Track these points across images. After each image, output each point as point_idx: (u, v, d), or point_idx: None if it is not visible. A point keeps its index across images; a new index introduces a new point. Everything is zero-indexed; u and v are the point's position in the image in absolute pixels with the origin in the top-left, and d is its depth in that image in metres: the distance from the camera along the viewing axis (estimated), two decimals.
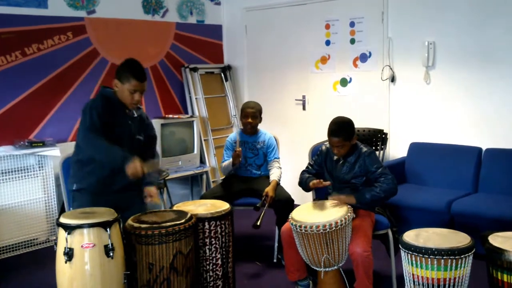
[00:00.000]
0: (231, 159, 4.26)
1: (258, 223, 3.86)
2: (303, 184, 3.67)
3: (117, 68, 3.26)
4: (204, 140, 6.02)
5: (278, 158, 4.41)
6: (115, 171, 3.15)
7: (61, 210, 4.14)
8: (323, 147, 3.73)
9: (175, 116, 5.74)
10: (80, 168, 3.25)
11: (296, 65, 5.95)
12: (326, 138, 3.87)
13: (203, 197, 4.27)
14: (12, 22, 4.68)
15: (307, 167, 3.79)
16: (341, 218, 3.11)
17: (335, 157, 3.61)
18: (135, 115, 3.32)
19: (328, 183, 3.52)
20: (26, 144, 4.59)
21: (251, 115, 4.30)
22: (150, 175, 3.31)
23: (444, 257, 2.71)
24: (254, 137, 4.39)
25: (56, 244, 2.87)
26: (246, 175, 4.39)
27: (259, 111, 4.37)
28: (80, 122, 3.18)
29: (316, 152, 3.80)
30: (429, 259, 2.74)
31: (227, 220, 3.27)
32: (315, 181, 3.52)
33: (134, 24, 5.63)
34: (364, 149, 3.53)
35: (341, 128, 3.48)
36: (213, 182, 5.95)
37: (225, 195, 4.11)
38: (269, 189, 4.08)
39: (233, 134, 4.54)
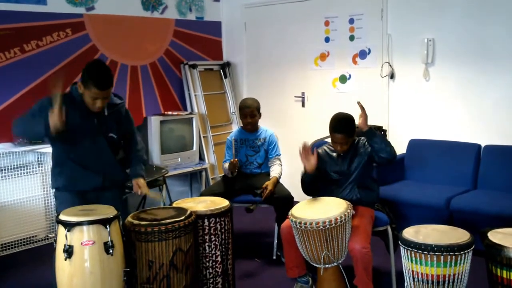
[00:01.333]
0: (229, 168, 4.25)
1: (251, 207, 3.90)
2: (305, 178, 3.63)
3: (82, 69, 3.12)
4: (203, 137, 6.01)
5: (279, 155, 4.40)
6: (85, 169, 3.16)
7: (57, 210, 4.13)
8: (320, 150, 3.70)
9: (174, 113, 5.73)
10: (53, 167, 3.24)
11: (295, 62, 5.94)
12: (325, 135, 3.88)
13: (202, 194, 4.27)
14: (11, 19, 4.67)
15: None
16: (340, 215, 3.12)
17: (335, 154, 3.61)
18: (106, 113, 3.22)
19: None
20: (25, 141, 4.58)
21: (250, 114, 4.29)
22: (134, 167, 3.36)
23: (444, 254, 2.71)
24: (254, 134, 4.38)
25: (55, 241, 2.87)
26: (247, 172, 4.39)
27: (257, 108, 4.35)
28: None
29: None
30: (428, 256, 2.74)
31: (226, 217, 3.27)
32: (301, 149, 3.51)
33: (133, 20, 5.62)
34: (360, 139, 3.59)
35: (344, 125, 3.51)
36: (212, 179, 5.95)
37: (224, 192, 4.11)
38: (269, 183, 4.11)
39: (235, 132, 4.53)
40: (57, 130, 2.92)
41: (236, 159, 4.20)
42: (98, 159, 3.22)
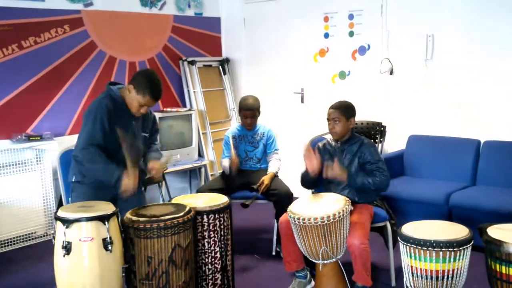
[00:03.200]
0: (228, 162, 4.24)
1: (247, 203, 3.93)
2: (305, 180, 3.64)
3: (137, 74, 3.26)
4: (203, 133, 6.01)
5: (278, 149, 4.40)
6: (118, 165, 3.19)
7: (59, 204, 4.12)
8: (320, 144, 3.72)
9: (173, 110, 5.72)
10: (81, 164, 3.24)
11: (294, 58, 5.93)
12: (325, 131, 3.87)
13: (200, 190, 4.26)
14: (8, 15, 4.65)
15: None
16: (339, 211, 3.11)
17: (333, 144, 3.60)
18: (147, 111, 3.36)
19: (336, 162, 3.46)
20: (24, 138, 4.58)
21: (250, 116, 4.28)
22: (150, 154, 3.45)
23: (443, 249, 2.71)
24: (252, 130, 4.38)
25: (54, 238, 2.86)
26: (246, 168, 4.38)
27: (258, 109, 4.33)
28: (83, 123, 3.19)
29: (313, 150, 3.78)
30: (427, 251, 2.74)
31: (225, 213, 3.27)
32: (305, 150, 3.48)
33: (132, 16, 5.60)
34: (366, 140, 3.56)
35: (341, 103, 3.58)
36: (211, 175, 5.95)
37: (223, 188, 4.10)
38: (266, 177, 4.13)
39: (232, 129, 4.52)
40: (126, 195, 3.08)
41: (237, 159, 4.19)
42: (136, 157, 3.29)
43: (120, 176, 3.06)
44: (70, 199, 3.35)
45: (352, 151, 3.53)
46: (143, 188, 3.57)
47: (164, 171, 5.00)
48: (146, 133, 3.44)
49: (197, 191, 4.32)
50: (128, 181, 3.06)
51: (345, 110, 3.53)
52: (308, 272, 3.58)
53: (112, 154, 3.17)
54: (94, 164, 3.12)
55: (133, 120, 3.30)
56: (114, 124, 3.15)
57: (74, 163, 3.32)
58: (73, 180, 3.30)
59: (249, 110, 4.27)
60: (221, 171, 4.55)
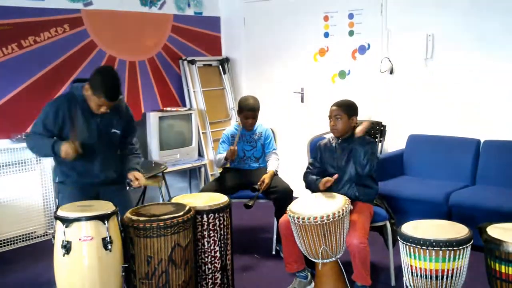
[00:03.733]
0: (225, 153, 4.24)
1: (250, 203, 3.91)
2: (313, 187, 3.62)
3: (93, 74, 3.18)
4: (202, 133, 6.00)
5: (276, 149, 4.40)
6: (92, 164, 3.30)
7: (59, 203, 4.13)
8: (321, 142, 3.72)
9: (173, 109, 5.73)
10: (62, 162, 3.29)
11: (294, 57, 5.93)
12: (325, 130, 3.87)
13: (202, 190, 4.26)
14: (8, 14, 4.65)
15: (308, 168, 3.77)
16: (338, 210, 3.11)
17: (334, 142, 3.60)
18: (107, 110, 3.28)
19: (336, 176, 3.46)
20: (24, 137, 4.57)
21: (252, 116, 4.26)
22: (130, 161, 3.48)
23: (442, 249, 2.71)
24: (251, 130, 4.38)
25: (53, 237, 2.86)
26: (245, 168, 4.38)
27: (259, 109, 4.32)
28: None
29: (314, 149, 3.79)
30: (427, 251, 2.74)
31: (225, 213, 3.27)
32: (323, 181, 3.45)
33: (131, 16, 5.60)
34: (367, 138, 3.56)
35: (343, 101, 3.59)
36: (211, 175, 5.95)
37: (223, 187, 4.10)
38: (266, 176, 4.12)
39: (230, 128, 4.52)
40: (68, 158, 3.15)
41: (235, 147, 4.16)
42: (104, 155, 3.35)
43: (53, 143, 3.15)
44: (57, 200, 3.38)
45: (352, 149, 3.52)
46: (128, 188, 3.58)
47: (165, 171, 5.01)
48: (118, 130, 3.39)
49: (201, 191, 4.31)
50: (67, 146, 3.11)
51: (347, 108, 3.53)
52: (308, 273, 3.57)
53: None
54: (32, 142, 3.28)
55: (97, 117, 3.28)
56: (66, 121, 3.21)
57: (56, 164, 3.40)
58: (56, 181, 3.37)
59: (251, 111, 4.26)
60: (221, 171, 4.55)
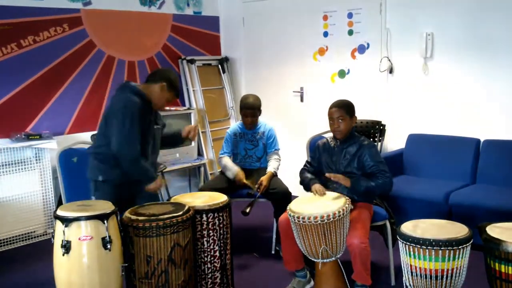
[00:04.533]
0: (232, 168, 4.23)
1: (247, 210, 3.92)
2: (305, 185, 3.64)
3: (170, 74, 3.44)
4: (202, 132, 6.00)
5: (278, 149, 4.40)
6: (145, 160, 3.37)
7: (59, 203, 4.13)
8: (320, 142, 3.71)
9: (172, 108, 5.72)
10: (106, 160, 3.29)
11: (294, 57, 5.93)
12: (324, 130, 3.87)
13: (201, 189, 4.26)
14: (7, 14, 4.65)
15: (305, 165, 3.77)
16: (339, 210, 3.11)
17: (333, 144, 3.59)
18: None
19: (331, 175, 3.47)
20: (23, 137, 4.58)
21: (251, 115, 4.27)
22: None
23: (442, 248, 2.71)
24: (253, 129, 4.37)
25: (53, 236, 2.86)
26: (245, 167, 4.37)
27: (259, 108, 4.32)
28: (117, 121, 3.19)
29: (313, 149, 3.79)
30: (427, 250, 2.74)
31: (225, 212, 3.27)
32: (318, 189, 3.45)
33: (131, 15, 5.59)
34: (366, 141, 3.53)
35: (343, 102, 3.56)
36: (210, 174, 5.95)
37: (223, 187, 4.10)
38: (264, 178, 4.11)
39: (234, 126, 4.51)
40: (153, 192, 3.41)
41: (243, 174, 4.19)
42: (155, 151, 3.50)
43: (154, 177, 3.34)
44: (93, 197, 3.34)
45: (352, 151, 3.50)
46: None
47: (164, 170, 5.01)
48: (159, 125, 3.51)
49: (200, 190, 4.32)
50: (156, 183, 3.35)
51: (348, 108, 3.52)
52: (307, 272, 3.57)
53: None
54: (135, 165, 3.23)
55: (151, 115, 3.39)
56: (143, 120, 3.26)
57: (97, 162, 3.34)
58: (99, 179, 3.31)
59: (250, 109, 4.26)
60: (220, 169, 4.54)
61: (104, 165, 3.31)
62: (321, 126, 4.38)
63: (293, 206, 3.29)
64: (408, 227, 2.91)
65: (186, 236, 2.99)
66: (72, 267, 2.78)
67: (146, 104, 3.31)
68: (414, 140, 4.98)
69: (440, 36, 4.86)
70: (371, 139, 4.90)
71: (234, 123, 5.02)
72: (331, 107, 3.54)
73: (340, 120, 3.48)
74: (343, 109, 3.49)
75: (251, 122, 4.30)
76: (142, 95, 3.29)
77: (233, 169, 4.23)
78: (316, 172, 3.66)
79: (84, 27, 5.20)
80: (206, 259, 3.21)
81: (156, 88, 3.34)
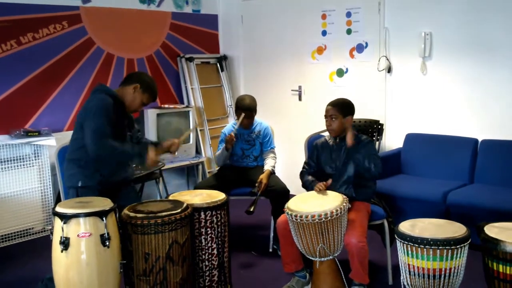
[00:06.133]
0: (224, 146, 4.25)
1: (251, 209, 3.92)
2: (309, 188, 3.64)
3: (143, 76, 3.44)
4: (200, 130, 6.00)
5: (274, 147, 4.40)
6: (117, 166, 3.35)
7: (57, 200, 4.13)
8: (318, 141, 3.72)
9: (170, 106, 5.72)
10: (87, 165, 3.25)
11: (292, 56, 5.93)
12: (323, 129, 3.87)
13: (197, 187, 4.25)
14: (7, 11, 4.64)
15: (304, 167, 3.77)
16: (336, 208, 3.12)
17: (331, 142, 3.60)
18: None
19: (330, 181, 3.48)
20: (22, 133, 4.57)
21: (247, 116, 4.26)
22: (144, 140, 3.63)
23: (440, 247, 2.71)
24: (249, 128, 4.37)
25: (52, 233, 2.86)
26: (242, 165, 4.38)
27: (255, 108, 4.32)
28: (88, 121, 3.14)
29: (311, 148, 3.79)
30: (424, 249, 2.74)
31: (223, 210, 3.27)
32: (319, 185, 3.45)
33: (130, 13, 5.59)
34: (364, 136, 3.58)
35: (339, 100, 3.61)
36: (208, 172, 5.94)
37: (220, 185, 4.10)
38: (263, 176, 4.12)
39: (229, 126, 4.52)
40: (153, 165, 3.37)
41: (233, 134, 4.18)
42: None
43: (140, 151, 3.29)
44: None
45: (347, 150, 3.53)
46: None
47: (162, 168, 5.01)
48: (130, 132, 3.48)
49: (195, 188, 4.32)
50: (150, 155, 3.28)
51: (342, 107, 3.54)
52: (307, 274, 3.56)
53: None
54: (116, 151, 3.19)
55: (124, 118, 3.38)
56: (115, 121, 3.22)
57: (76, 168, 3.27)
58: (79, 185, 3.25)
59: (247, 111, 4.26)
60: (218, 168, 4.55)
61: (84, 170, 3.25)
62: (319, 125, 4.37)
63: (290, 204, 3.29)
64: (406, 226, 2.92)
65: (184, 233, 2.99)
66: (70, 264, 2.78)
67: (119, 106, 3.29)
68: (412, 139, 4.99)
69: (438, 35, 4.87)
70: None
71: (230, 122, 5.01)
72: (327, 105, 3.60)
73: (333, 119, 3.53)
74: (336, 107, 3.54)
75: (248, 123, 4.30)
76: (115, 97, 3.28)
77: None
78: (315, 173, 3.67)
79: (84, 24, 5.20)
80: (204, 256, 3.21)
81: (129, 90, 3.33)
